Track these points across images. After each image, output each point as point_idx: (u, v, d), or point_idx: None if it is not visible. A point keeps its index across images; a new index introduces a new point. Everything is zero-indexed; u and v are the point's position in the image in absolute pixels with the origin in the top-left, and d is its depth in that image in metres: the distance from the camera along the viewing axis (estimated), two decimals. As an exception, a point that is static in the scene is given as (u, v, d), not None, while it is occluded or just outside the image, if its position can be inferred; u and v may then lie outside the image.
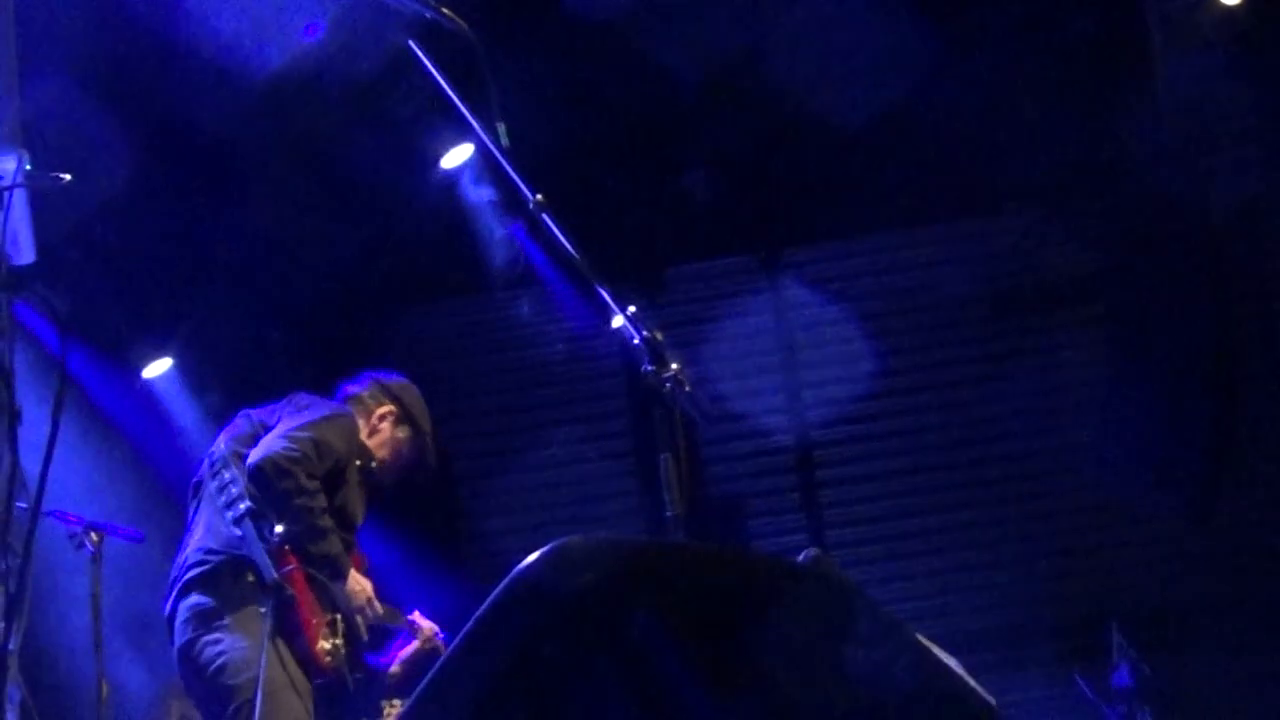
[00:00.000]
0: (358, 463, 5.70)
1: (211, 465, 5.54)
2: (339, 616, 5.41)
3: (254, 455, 5.30)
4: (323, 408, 5.67)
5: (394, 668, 5.84)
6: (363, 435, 5.84)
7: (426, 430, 6.07)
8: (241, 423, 5.70)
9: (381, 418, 5.96)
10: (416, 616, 5.96)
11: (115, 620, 6.64)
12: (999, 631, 9.24)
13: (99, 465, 8.06)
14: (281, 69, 7.61)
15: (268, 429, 5.51)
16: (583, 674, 2.27)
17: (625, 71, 8.48)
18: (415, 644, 5.88)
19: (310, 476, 5.26)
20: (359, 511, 5.69)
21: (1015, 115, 9.07)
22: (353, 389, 6.05)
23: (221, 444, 5.59)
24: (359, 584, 5.55)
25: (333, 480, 5.48)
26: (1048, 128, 9.15)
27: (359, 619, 5.52)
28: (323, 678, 5.32)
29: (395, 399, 6.03)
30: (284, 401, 5.73)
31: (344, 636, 5.42)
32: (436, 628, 5.97)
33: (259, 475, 5.24)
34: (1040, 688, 8.80)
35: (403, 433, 5.99)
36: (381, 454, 5.91)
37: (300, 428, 5.41)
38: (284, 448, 5.27)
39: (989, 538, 9.46)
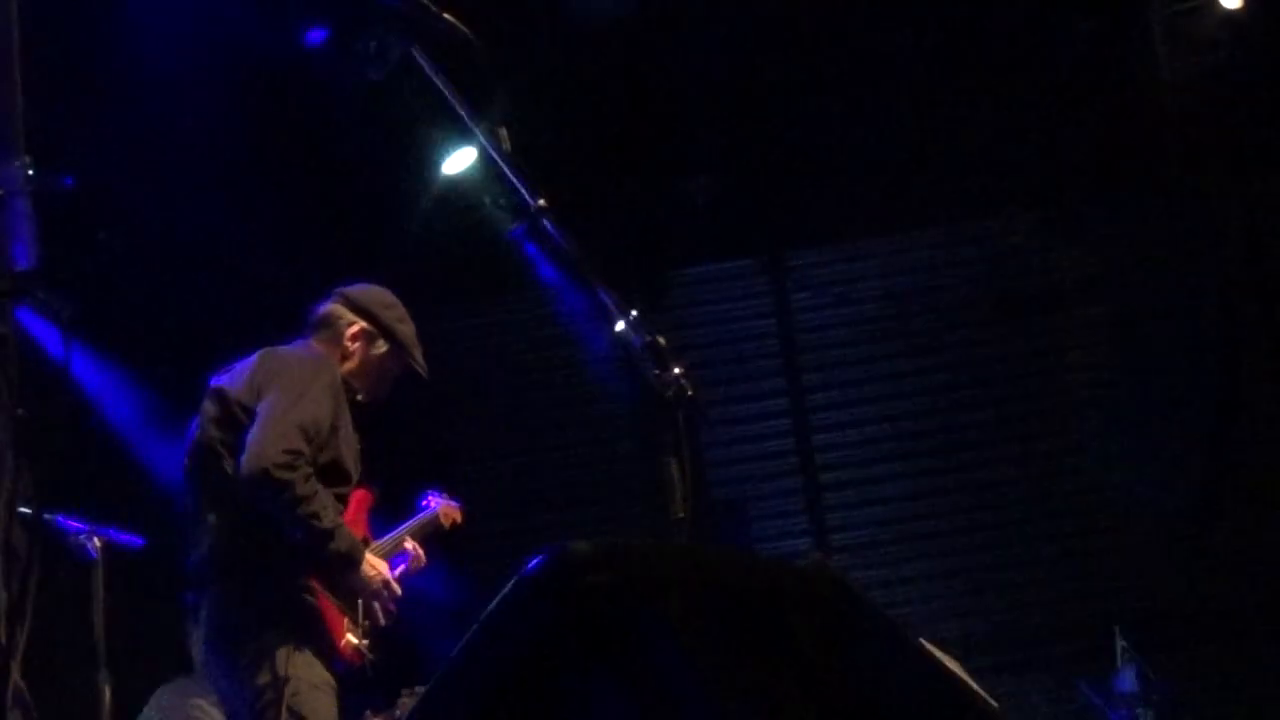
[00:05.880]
0: (344, 401, 5.31)
1: (200, 453, 5.26)
2: (359, 603, 5.37)
3: (245, 463, 5.00)
4: (297, 376, 5.22)
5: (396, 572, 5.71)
6: (338, 364, 5.38)
7: (404, 335, 5.53)
8: (213, 404, 5.27)
9: (353, 338, 5.45)
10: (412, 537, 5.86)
11: (117, 625, 6.62)
12: (1002, 634, 9.23)
13: (102, 470, 8.07)
14: (285, 75, 7.63)
15: (246, 410, 5.14)
16: (586, 678, 2.27)
17: (628, 75, 8.49)
18: (405, 566, 5.68)
19: (306, 479, 5.03)
20: (354, 455, 5.37)
21: (1019, 117, 9.08)
22: (321, 308, 5.54)
23: (205, 427, 5.26)
24: (374, 568, 5.38)
25: (324, 444, 5.18)
26: (1052, 130, 9.17)
27: (376, 605, 5.41)
28: (346, 669, 5.28)
29: (362, 311, 5.49)
30: (253, 364, 5.31)
31: (365, 621, 5.38)
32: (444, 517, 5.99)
33: (253, 488, 4.98)
34: (1043, 691, 8.80)
35: (378, 349, 5.47)
36: (360, 382, 5.43)
37: (282, 416, 5.06)
38: (273, 457, 4.97)
39: (993, 540, 9.46)
